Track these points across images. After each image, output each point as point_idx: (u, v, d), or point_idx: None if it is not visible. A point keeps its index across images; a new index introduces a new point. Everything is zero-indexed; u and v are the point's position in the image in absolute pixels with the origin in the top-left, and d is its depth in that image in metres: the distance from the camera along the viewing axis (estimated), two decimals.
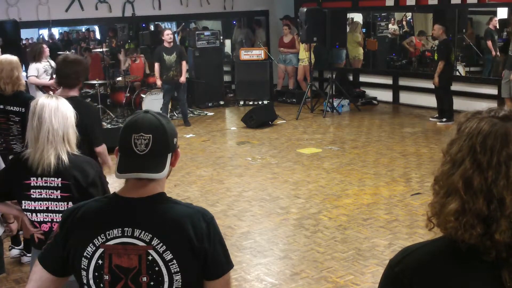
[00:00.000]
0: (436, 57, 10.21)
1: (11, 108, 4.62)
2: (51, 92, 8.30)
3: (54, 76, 8.55)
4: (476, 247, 1.32)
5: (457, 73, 11.19)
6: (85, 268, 1.84)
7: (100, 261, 1.83)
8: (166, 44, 10.23)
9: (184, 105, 10.65)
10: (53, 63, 8.83)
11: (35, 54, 8.69)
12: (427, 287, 1.37)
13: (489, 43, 12.09)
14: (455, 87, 10.27)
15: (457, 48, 11.39)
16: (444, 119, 10.13)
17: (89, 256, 1.84)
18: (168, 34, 10.31)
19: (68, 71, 4.17)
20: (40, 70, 8.70)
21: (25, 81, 5.21)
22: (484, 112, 1.40)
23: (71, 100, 4.19)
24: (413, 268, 1.40)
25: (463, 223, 1.31)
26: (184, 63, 10.25)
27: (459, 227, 1.32)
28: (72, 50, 13.35)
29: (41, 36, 17.94)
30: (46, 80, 8.66)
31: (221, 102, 12.77)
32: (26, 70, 8.74)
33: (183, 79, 10.21)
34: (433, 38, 10.48)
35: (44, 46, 8.95)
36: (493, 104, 9.36)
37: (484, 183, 1.31)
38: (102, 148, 4.37)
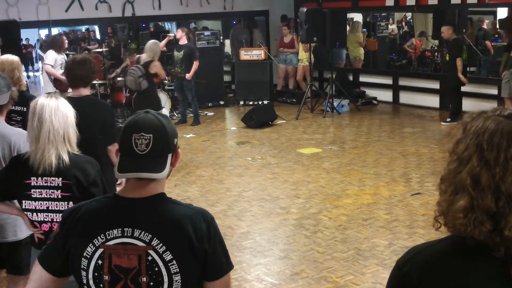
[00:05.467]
0: (448, 57, 10.16)
1: (13, 107, 4.61)
2: (56, 91, 8.38)
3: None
4: (485, 244, 1.33)
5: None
6: (85, 268, 1.85)
7: (100, 261, 1.83)
8: (180, 42, 10.53)
9: (190, 104, 10.78)
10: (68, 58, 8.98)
11: (58, 45, 8.91)
12: (436, 286, 1.38)
13: (488, 43, 12.10)
14: None
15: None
16: (448, 119, 10.11)
17: (89, 256, 1.84)
18: (176, 33, 10.82)
19: (81, 71, 4.31)
20: (57, 62, 8.81)
21: (26, 81, 5.23)
22: (489, 111, 1.42)
23: (85, 99, 4.25)
24: (422, 267, 1.40)
25: (472, 219, 1.32)
26: (195, 63, 10.36)
27: (468, 224, 1.33)
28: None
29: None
30: (60, 72, 8.73)
31: (221, 102, 12.78)
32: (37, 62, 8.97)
33: (188, 75, 10.34)
34: (445, 40, 10.40)
35: (65, 38, 9.14)
36: (494, 104, 9.38)
37: (492, 180, 1.32)
38: (114, 146, 4.41)
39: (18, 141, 3.48)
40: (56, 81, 8.87)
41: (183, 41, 10.44)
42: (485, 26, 12.53)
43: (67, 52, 9.54)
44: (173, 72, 10.79)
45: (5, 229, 3.64)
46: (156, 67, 8.15)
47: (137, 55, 8.75)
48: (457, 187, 1.37)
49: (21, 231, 3.67)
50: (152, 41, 8.66)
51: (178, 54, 10.43)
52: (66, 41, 9.15)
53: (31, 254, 3.29)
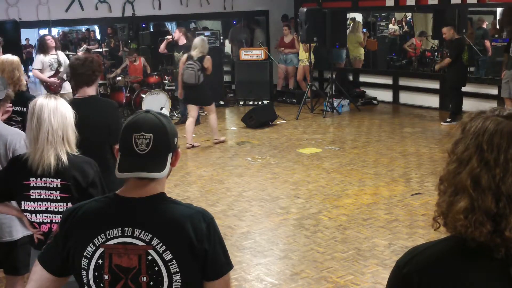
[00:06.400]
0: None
1: (13, 108, 4.62)
2: (47, 92, 8.40)
3: (61, 70, 8.70)
4: (485, 245, 1.33)
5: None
6: (85, 268, 1.85)
7: (100, 261, 1.83)
8: (179, 42, 10.47)
9: None
10: (61, 57, 8.93)
11: (41, 46, 8.91)
12: (436, 286, 1.37)
13: (487, 42, 12.09)
14: None
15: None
16: (448, 119, 10.11)
17: (89, 256, 1.84)
18: (174, 34, 10.67)
19: (82, 70, 4.23)
20: (45, 64, 8.80)
21: (26, 81, 5.22)
22: (488, 111, 1.41)
23: (90, 99, 4.21)
24: (422, 268, 1.40)
25: (473, 221, 1.32)
26: None
27: (469, 225, 1.33)
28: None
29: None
30: (49, 74, 8.74)
31: (221, 102, 12.77)
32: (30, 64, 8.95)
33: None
34: (447, 40, 10.40)
35: (48, 38, 9.02)
36: (493, 104, 9.37)
37: (492, 180, 1.32)
38: None
39: (14, 140, 3.49)
40: (45, 84, 8.89)
41: (182, 41, 10.43)
42: (484, 26, 12.52)
43: (67, 51, 9.49)
44: (174, 72, 10.79)
45: (0, 229, 3.64)
46: (209, 61, 8.90)
47: (186, 53, 9.09)
48: (457, 188, 1.36)
49: (17, 231, 3.67)
50: (199, 37, 9.38)
51: (178, 55, 10.41)
52: (51, 41, 8.91)
53: (32, 254, 3.29)
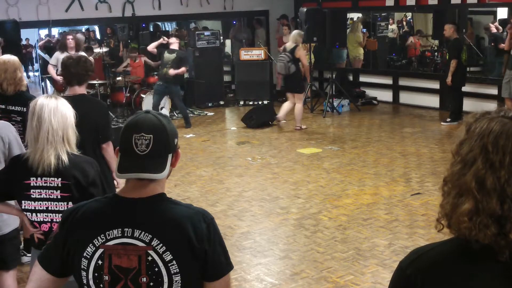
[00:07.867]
0: (448, 57, 10.18)
1: (13, 107, 4.63)
2: (52, 92, 8.44)
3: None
4: (489, 247, 1.32)
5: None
6: (85, 268, 1.84)
7: (99, 262, 1.83)
8: (171, 46, 10.40)
9: (181, 109, 10.64)
10: None
11: (61, 44, 9.18)
12: None
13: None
14: None
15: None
16: (448, 119, 10.11)
17: (88, 257, 1.84)
18: (169, 39, 10.63)
19: (75, 69, 4.31)
20: (59, 61, 8.86)
21: (26, 81, 5.24)
22: (493, 112, 1.40)
23: (79, 97, 4.25)
24: (425, 269, 1.39)
25: (477, 223, 1.31)
26: (183, 67, 10.29)
27: (473, 228, 1.32)
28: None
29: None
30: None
31: (221, 102, 12.77)
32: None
33: (172, 71, 10.07)
34: (445, 39, 10.38)
35: (69, 37, 9.11)
36: (493, 104, 9.38)
37: (497, 182, 1.31)
38: (108, 145, 4.40)
39: (6, 131, 3.53)
40: (52, 80, 8.98)
41: (175, 46, 10.41)
42: (494, 30, 12.36)
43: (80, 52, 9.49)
44: (159, 73, 10.54)
45: None
46: (300, 52, 9.64)
47: (283, 45, 9.92)
48: (461, 190, 1.35)
49: (7, 225, 3.68)
50: (296, 31, 10.13)
51: (169, 56, 10.26)
52: (70, 40, 8.98)
53: (32, 254, 3.29)
